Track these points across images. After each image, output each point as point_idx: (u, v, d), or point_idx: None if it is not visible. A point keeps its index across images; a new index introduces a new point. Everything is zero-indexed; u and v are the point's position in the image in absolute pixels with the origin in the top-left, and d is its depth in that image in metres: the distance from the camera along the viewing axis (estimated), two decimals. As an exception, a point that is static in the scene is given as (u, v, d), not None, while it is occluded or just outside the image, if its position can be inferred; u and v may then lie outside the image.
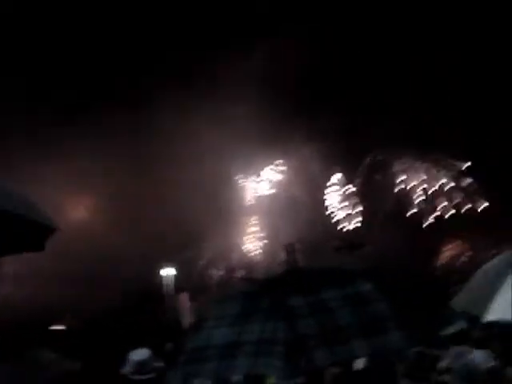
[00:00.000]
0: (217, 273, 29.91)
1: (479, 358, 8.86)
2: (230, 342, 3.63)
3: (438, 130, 27.58)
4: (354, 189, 32.28)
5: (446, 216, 30.85)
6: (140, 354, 6.78)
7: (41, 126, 25.87)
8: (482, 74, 25.61)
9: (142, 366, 6.63)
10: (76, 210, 30.67)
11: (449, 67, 26.44)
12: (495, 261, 6.27)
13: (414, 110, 27.51)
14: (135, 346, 7.07)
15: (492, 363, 8.62)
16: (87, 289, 25.46)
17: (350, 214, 32.03)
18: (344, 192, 32.28)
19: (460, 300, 6.10)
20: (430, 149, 30.19)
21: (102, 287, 25.57)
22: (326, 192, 32.36)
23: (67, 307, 24.21)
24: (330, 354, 3.36)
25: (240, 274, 29.34)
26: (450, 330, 8.61)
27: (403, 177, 31.50)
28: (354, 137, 29.41)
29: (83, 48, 27.82)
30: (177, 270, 26.44)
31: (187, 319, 22.07)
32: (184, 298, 23.37)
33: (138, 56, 28.10)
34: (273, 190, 32.71)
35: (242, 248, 31.72)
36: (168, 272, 26.02)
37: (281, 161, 32.34)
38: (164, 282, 26.31)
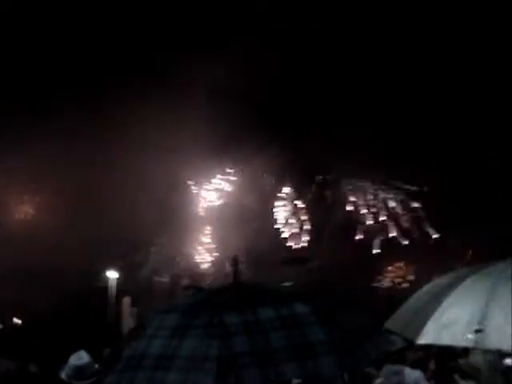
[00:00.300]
0: (161, 279, 29.75)
1: (410, 376, 9.10)
2: (165, 354, 3.65)
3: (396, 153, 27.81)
4: (302, 205, 32.51)
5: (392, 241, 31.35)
6: (79, 358, 6.72)
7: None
8: (481, 73, 25.83)
9: (81, 370, 6.59)
10: (20, 207, 30.26)
11: (449, 67, 26.57)
12: (432, 284, 6.46)
13: (414, 109, 27.58)
14: (75, 349, 7.03)
15: (422, 383, 8.85)
16: (29, 287, 25.01)
17: (297, 233, 32.26)
18: (293, 207, 32.52)
19: (395, 321, 6.24)
20: (385, 170, 30.51)
21: (44, 286, 25.18)
22: (275, 205, 32.52)
23: (7, 306, 23.74)
24: (260, 375, 3.41)
25: (185, 282, 29.20)
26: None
27: (352, 197, 31.92)
28: (305, 152, 29.64)
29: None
30: (121, 273, 26.20)
31: (128, 323, 21.95)
32: (126, 302, 23.24)
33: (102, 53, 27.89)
34: (222, 200, 32.71)
35: (191, 257, 31.62)
36: (112, 275, 25.76)
37: (231, 170, 32.37)
38: (109, 284, 26.02)
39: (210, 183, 32.78)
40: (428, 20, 26.16)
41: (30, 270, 25.23)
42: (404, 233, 31.16)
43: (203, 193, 32.88)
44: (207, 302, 3.98)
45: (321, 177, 32.04)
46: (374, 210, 31.75)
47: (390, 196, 31.52)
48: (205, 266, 31.71)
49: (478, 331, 5.31)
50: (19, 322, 23.60)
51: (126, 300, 23.62)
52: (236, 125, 27.26)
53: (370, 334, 4.17)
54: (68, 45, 27.40)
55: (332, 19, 26.82)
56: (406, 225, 31.10)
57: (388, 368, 9.24)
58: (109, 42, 27.60)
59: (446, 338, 5.61)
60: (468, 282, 5.75)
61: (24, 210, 30.36)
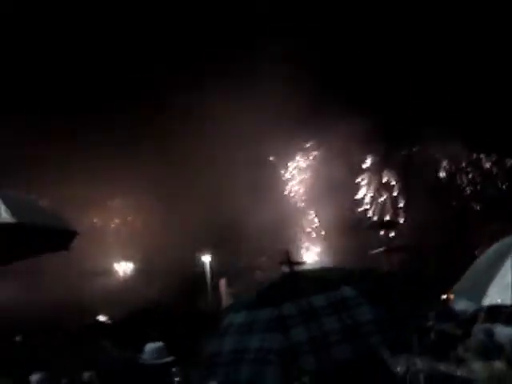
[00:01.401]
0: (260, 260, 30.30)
1: (502, 333, 9.23)
2: (238, 349, 4.06)
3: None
4: (390, 172, 32.39)
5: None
6: (154, 343, 7.54)
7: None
8: (481, 73, 25.40)
9: (159, 350, 7.38)
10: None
11: (449, 67, 26.23)
12: (498, 244, 6.60)
13: (414, 110, 27.40)
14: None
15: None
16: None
17: (385, 200, 32.18)
18: (379, 176, 32.48)
19: (463, 283, 6.46)
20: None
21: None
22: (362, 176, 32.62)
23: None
24: (316, 360, 3.77)
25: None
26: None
27: (445, 162, 31.45)
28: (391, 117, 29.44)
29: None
30: (216, 258, 27.16)
31: (227, 302, 22.74)
32: (223, 284, 24.03)
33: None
34: (310, 174, 33.08)
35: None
36: (207, 259, 26.68)
37: (312, 142, 32.65)
38: (205, 269, 26.99)
39: (296, 160, 33.30)
40: (428, 20, 25.62)
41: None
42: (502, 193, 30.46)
43: (291, 170, 33.46)
44: (268, 296, 4.36)
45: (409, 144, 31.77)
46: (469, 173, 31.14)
47: (483, 156, 30.80)
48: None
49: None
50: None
51: (223, 282, 24.41)
52: (316, 98, 27.59)
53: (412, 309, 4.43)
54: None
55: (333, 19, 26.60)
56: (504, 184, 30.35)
57: (477, 327, 9.42)
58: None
59: (506, 300, 5.79)
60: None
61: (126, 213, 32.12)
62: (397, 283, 4.85)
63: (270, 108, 27.39)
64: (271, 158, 33.02)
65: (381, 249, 30.14)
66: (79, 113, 27.69)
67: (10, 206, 4.42)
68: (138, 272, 31.23)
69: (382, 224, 31.12)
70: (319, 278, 4.50)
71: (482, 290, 5.91)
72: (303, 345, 3.84)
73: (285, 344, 3.86)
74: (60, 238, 5.11)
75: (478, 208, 29.55)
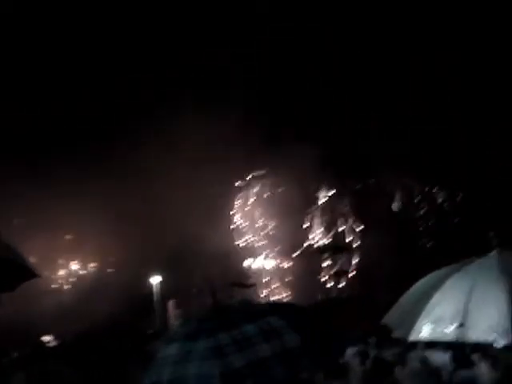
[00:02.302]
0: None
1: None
2: (176, 379, 4.23)
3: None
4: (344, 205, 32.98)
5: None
6: None
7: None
8: (481, 73, 25.60)
9: None
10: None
11: (449, 67, 26.39)
12: (422, 281, 6.94)
13: (414, 110, 27.59)
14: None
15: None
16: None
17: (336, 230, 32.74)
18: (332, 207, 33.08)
19: (391, 317, 6.76)
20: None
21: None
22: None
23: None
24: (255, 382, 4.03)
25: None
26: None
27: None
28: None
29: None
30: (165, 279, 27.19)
31: (173, 324, 22.78)
32: (171, 305, 24.03)
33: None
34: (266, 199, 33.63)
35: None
36: (155, 280, 26.64)
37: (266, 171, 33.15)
38: (154, 290, 26.94)
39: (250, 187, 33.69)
40: (428, 20, 25.98)
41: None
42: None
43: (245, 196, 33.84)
44: (201, 328, 4.58)
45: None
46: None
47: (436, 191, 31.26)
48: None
49: (459, 327, 5.80)
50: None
51: (171, 303, 24.43)
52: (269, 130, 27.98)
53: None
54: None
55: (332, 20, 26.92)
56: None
57: (414, 353, 9.94)
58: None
59: (434, 334, 6.10)
60: (450, 281, 6.22)
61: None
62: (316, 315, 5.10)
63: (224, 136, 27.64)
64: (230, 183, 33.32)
65: (327, 272, 30.64)
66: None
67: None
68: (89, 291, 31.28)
69: (331, 247, 31.55)
70: (247, 310, 4.74)
71: (409, 324, 6.23)
72: (242, 369, 4.07)
73: (224, 369, 4.09)
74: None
75: (428, 245, 29.96)
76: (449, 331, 5.87)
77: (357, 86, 27.36)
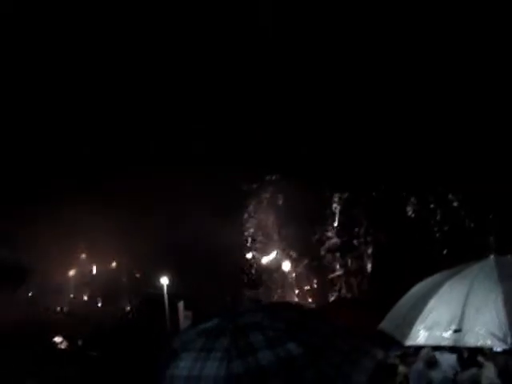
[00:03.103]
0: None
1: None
2: (192, 375, 4.18)
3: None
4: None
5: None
6: None
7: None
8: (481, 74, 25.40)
9: None
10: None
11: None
12: (418, 286, 6.92)
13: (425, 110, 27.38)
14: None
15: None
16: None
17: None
18: None
19: (387, 323, 6.74)
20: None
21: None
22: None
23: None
24: None
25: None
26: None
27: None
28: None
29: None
30: (173, 280, 27.31)
31: (183, 325, 22.86)
32: (180, 306, 24.11)
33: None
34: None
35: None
36: (164, 281, 26.78)
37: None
38: (164, 291, 27.07)
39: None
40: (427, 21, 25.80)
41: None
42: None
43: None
44: (215, 346, 4.54)
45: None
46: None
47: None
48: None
49: (456, 331, 5.78)
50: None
51: (181, 304, 24.49)
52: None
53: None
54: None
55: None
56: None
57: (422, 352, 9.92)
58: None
59: (430, 339, 6.08)
60: (447, 286, 6.20)
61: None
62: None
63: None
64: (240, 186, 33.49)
65: (338, 272, 30.56)
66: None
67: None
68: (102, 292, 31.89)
69: (341, 247, 31.50)
70: (266, 330, 4.66)
71: (406, 329, 6.21)
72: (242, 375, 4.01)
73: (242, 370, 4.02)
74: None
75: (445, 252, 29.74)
76: (446, 336, 5.85)
77: (358, 87, 27.32)
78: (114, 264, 33.64)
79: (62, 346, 23.97)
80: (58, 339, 24.19)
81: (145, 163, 28.64)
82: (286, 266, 33.52)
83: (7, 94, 26.71)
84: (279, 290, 33.75)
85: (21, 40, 27.35)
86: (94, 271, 34.89)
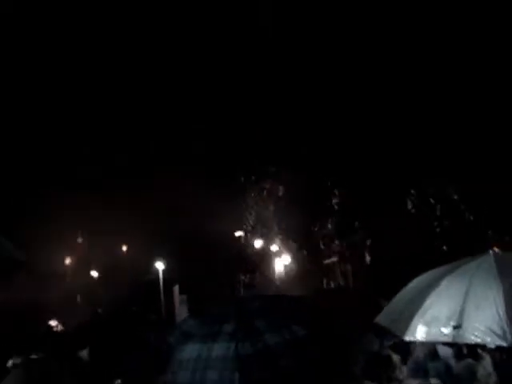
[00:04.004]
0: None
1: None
2: (201, 356, 4.26)
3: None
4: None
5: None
6: None
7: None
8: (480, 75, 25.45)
9: None
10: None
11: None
12: (417, 280, 6.86)
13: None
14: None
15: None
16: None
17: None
18: None
19: (385, 316, 6.69)
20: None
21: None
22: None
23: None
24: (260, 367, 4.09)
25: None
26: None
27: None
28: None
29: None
30: (168, 265, 27.36)
31: (179, 309, 22.95)
32: (176, 290, 24.17)
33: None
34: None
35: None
36: (160, 266, 26.81)
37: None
38: (159, 275, 27.13)
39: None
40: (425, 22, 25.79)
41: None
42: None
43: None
44: (221, 330, 4.54)
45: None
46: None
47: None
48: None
49: (455, 328, 5.73)
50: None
51: (176, 288, 24.54)
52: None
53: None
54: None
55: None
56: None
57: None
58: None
59: (429, 335, 6.03)
60: (445, 281, 6.14)
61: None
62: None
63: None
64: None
65: (334, 259, 30.63)
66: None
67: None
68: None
69: (338, 234, 31.53)
70: (269, 314, 4.64)
71: (404, 324, 6.16)
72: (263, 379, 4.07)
73: (240, 352, 4.13)
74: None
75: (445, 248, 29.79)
76: (445, 332, 5.80)
77: (358, 83, 27.33)
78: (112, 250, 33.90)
79: (58, 329, 23.97)
80: (53, 322, 24.17)
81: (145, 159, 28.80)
82: (284, 255, 33.75)
83: (7, 93, 26.60)
84: (276, 277, 33.92)
85: (21, 40, 27.18)
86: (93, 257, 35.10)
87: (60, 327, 24.24)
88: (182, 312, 22.57)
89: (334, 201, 31.64)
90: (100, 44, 28.64)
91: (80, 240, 35.54)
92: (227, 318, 4.48)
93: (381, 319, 6.66)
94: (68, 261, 34.87)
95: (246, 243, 34.41)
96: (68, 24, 28.29)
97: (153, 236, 27.94)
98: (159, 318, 22.74)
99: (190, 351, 4.38)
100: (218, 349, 4.24)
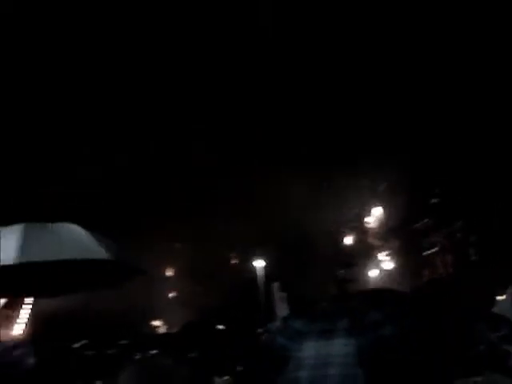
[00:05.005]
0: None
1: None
2: (320, 354, 4.16)
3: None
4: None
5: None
6: None
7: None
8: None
9: None
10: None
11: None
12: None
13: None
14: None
15: None
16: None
17: None
18: None
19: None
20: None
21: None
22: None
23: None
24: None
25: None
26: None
27: None
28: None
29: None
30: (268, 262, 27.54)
31: (279, 307, 22.94)
32: (276, 287, 24.20)
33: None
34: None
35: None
36: (259, 264, 27.00)
37: None
38: (258, 273, 27.33)
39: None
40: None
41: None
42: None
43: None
44: (336, 327, 4.53)
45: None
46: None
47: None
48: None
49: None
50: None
51: (275, 285, 24.58)
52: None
53: None
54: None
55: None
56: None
57: None
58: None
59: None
60: None
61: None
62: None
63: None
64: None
65: (434, 249, 30.06)
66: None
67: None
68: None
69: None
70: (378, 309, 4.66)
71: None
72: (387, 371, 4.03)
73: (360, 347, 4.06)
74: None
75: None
76: None
77: (358, 83, 26.99)
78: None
79: (161, 331, 24.60)
80: (156, 323, 24.88)
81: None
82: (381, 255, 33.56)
83: (7, 94, 27.05)
84: (373, 271, 33.73)
85: (21, 40, 27.60)
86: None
87: (164, 327, 24.93)
88: (282, 310, 22.55)
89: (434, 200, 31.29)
90: (100, 44, 28.82)
91: (180, 246, 36.23)
92: (339, 314, 4.36)
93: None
94: (170, 266, 35.73)
95: (341, 239, 34.31)
96: (68, 24, 28.57)
97: (253, 236, 28.06)
98: (260, 316, 22.87)
99: (307, 349, 4.26)
100: (337, 345, 4.15)
